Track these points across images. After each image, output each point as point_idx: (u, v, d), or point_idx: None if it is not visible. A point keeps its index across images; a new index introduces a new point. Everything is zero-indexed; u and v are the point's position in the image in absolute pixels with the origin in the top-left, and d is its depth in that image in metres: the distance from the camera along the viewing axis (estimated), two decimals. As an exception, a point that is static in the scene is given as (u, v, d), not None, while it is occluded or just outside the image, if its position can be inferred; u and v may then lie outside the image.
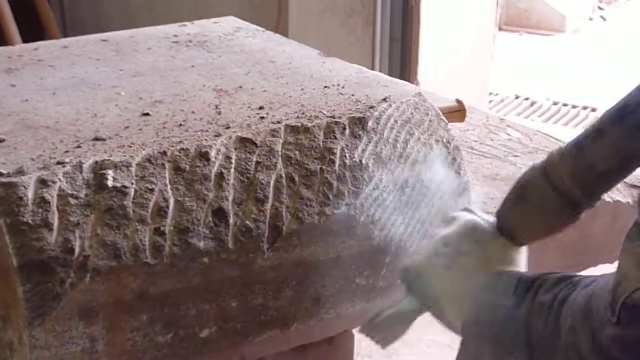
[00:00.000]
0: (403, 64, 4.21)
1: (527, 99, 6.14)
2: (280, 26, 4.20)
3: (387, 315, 1.45)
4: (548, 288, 1.16)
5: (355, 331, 1.68)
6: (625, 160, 1.20)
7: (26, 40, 4.06)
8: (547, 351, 1.13)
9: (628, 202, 1.87)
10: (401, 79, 3.84)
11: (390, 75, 3.66)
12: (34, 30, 4.73)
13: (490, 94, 5.68)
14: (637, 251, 1.00)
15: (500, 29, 7.41)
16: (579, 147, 1.25)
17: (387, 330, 1.47)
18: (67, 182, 1.34)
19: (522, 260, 1.35)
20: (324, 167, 1.48)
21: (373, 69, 4.05)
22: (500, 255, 1.33)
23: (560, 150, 1.28)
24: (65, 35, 4.83)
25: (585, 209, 1.29)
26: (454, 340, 3.32)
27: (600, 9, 8.67)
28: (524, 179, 1.33)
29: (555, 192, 1.27)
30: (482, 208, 1.54)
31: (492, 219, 1.37)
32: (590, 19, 8.41)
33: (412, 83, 3.88)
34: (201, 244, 1.37)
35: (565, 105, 6.04)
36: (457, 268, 1.33)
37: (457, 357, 1.32)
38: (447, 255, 1.35)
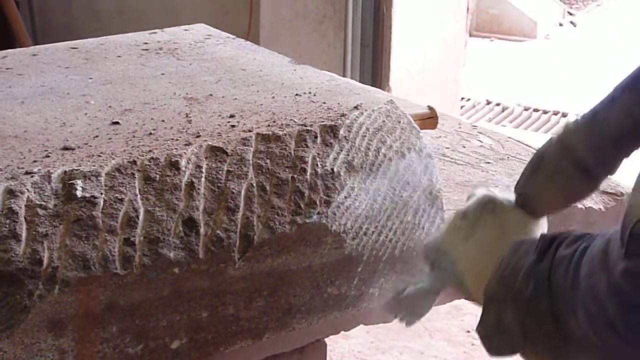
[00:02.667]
0: (374, 69, 4.22)
1: (498, 104, 6.16)
2: (251, 32, 4.19)
3: (410, 292, 1.46)
4: (569, 243, 1.15)
5: (326, 340, 1.67)
6: (636, 125, 1.19)
7: (-5, 47, 4.03)
8: (566, 301, 1.11)
9: (600, 209, 1.88)
10: (372, 84, 3.85)
11: (361, 80, 3.66)
12: (3, 37, 4.69)
13: (462, 99, 5.69)
14: None
15: (471, 35, 7.43)
16: (592, 113, 1.25)
17: (411, 308, 1.49)
18: (35, 192, 1.33)
19: (540, 232, 1.35)
20: (295, 176, 1.47)
21: (344, 74, 4.06)
22: (518, 227, 1.34)
23: (575, 120, 1.28)
24: (36, 42, 4.79)
25: (601, 178, 1.29)
26: (426, 347, 3.32)
27: (570, 14, 8.72)
28: (540, 150, 1.33)
29: (570, 161, 1.27)
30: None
31: (510, 194, 1.38)
32: (560, 25, 8.46)
33: (383, 89, 3.89)
34: (171, 254, 1.35)
35: (536, 110, 6.07)
36: (475, 239, 1.34)
37: (478, 324, 1.31)
38: (465, 228, 1.36)
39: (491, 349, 1.30)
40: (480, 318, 1.30)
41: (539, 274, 1.17)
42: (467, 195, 1.43)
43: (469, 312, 3.48)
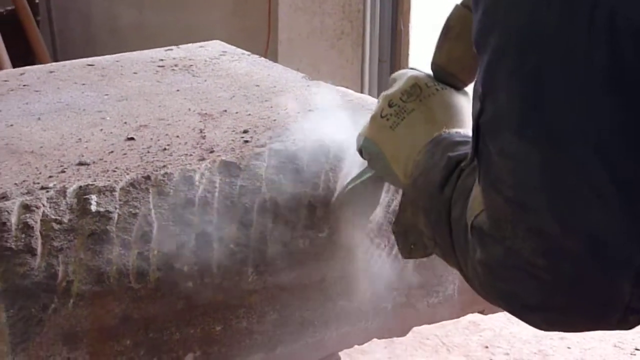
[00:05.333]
0: (392, 85, 4.23)
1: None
2: (269, 48, 4.21)
3: (354, 185, 1.44)
4: (470, 171, 1.09)
5: (344, 355, 1.68)
6: None
7: (16, 65, 4.08)
8: (459, 238, 1.07)
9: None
10: (390, 100, 3.84)
11: (379, 96, 3.67)
12: (24, 55, 4.73)
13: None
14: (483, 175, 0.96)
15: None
16: None
17: (361, 199, 1.46)
18: (50, 207, 1.34)
19: (466, 107, 1.30)
20: (308, 191, 1.48)
21: (362, 89, 4.07)
22: (444, 107, 1.29)
23: None
24: (56, 60, 4.84)
25: None
26: (443, 363, 3.30)
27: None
28: (448, 16, 1.29)
29: None
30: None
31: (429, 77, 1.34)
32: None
33: (401, 105, 3.88)
34: (185, 268, 1.37)
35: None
36: (403, 127, 1.29)
37: (396, 216, 1.29)
38: (391, 115, 1.31)
39: (405, 249, 1.29)
40: (397, 214, 1.29)
41: (441, 204, 1.13)
42: (390, 79, 1.38)
43: (488, 328, 3.47)
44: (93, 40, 5.20)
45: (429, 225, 1.18)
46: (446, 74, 1.31)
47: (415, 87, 1.32)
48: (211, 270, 1.38)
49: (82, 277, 1.31)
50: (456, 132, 1.24)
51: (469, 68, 1.30)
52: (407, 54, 4.14)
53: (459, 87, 1.33)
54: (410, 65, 3.90)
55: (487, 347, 3.40)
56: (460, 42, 1.28)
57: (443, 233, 1.13)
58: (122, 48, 2.51)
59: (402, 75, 1.35)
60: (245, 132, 1.60)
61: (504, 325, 3.53)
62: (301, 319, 1.48)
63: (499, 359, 3.33)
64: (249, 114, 1.69)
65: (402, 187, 1.32)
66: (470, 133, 1.21)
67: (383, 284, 1.54)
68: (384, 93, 1.36)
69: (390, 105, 1.32)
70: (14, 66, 4.25)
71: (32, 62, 4.64)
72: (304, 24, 4.25)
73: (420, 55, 4.23)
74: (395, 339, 1.80)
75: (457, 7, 1.28)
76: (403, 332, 1.65)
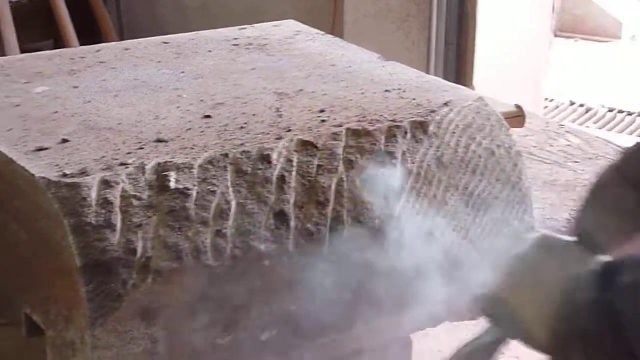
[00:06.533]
0: (458, 68, 4.20)
1: (582, 106, 6.08)
2: (335, 30, 4.19)
3: (472, 347, 1.37)
4: (631, 270, 1.05)
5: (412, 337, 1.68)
6: None
7: (84, 44, 4.10)
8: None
9: None
10: (456, 83, 3.82)
11: (445, 79, 3.65)
12: (91, 34, 4.76)
13: (545, 99, 5.63)
14: None
15: (555, 35, 7.35)
16: None
17: None
18: (129, 183, 1.35)
19: None
20: (384, 170, 1.47)
21: (428, 73, 4.04)
22: (581, 265, 1.19)
23: (635, 144, 1.17)
24: (122, 39, 4.86)
25: None
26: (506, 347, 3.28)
27: (658, 15, 8.57)
28: (598, 179, 1.23)
29: (631, 188, 1.17)
30: (540, 214, 1.51)
31: (565, 236, 1.25)
32: (647, 26, 8.32)
33: (467, 87, 3.86)
34: (262, 247, 1.37)
35: (620, 112, 5.97)
36: (536, 282, 1.22)
37: None
38: (525, 273, 1.23)
39: None
40: None
41: (603, 306, 1.07)
42: (520, 239, 1.32)
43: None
44: (159, 20, 5.22)
45: (587, 348, 1.10)
46: (590, 241, 1.22)
47: (549, 246, 1.22)
48: (288, 249, 1.38)
49: (160, 254, 1.32)
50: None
51: (614, 239, 1.23)
52: (474, 37, 4.10)
53: (595, 252, 1.22)
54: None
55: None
56: (613, 215, 1.21)
57: (606, 336, 1.06)
58: (187, 28, 2.51)
59: (532, 235, 1.26)
60: (322, 111, 1.59)
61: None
62: (377, 300, 1.48)
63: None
64: (325, 94, 1.68)
65: (536, 345, 1.23)
66: None
67: (458, 268, 1.53)
68: (514, 252, 1.27)
69: (521, 262, 1.24)
70: (82, 45, 4.28)
71: (99, 41, 4.67)
72: (370, 6, 4.23)
73: (488, 38, 4.19)
74: (455, 324, 1.77)
75: (608, 171, 1.22)
76: (475, 317, 1.64)
